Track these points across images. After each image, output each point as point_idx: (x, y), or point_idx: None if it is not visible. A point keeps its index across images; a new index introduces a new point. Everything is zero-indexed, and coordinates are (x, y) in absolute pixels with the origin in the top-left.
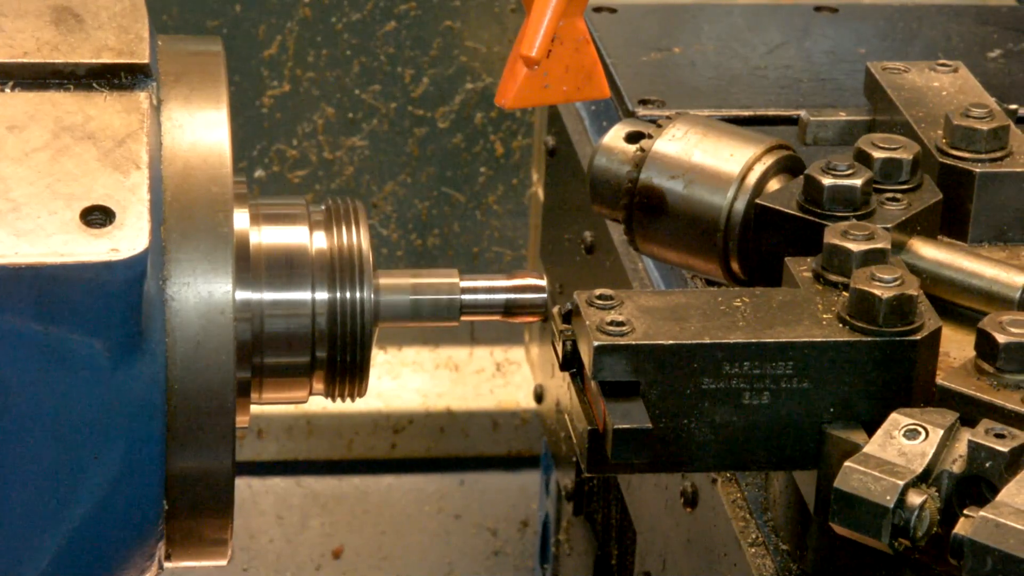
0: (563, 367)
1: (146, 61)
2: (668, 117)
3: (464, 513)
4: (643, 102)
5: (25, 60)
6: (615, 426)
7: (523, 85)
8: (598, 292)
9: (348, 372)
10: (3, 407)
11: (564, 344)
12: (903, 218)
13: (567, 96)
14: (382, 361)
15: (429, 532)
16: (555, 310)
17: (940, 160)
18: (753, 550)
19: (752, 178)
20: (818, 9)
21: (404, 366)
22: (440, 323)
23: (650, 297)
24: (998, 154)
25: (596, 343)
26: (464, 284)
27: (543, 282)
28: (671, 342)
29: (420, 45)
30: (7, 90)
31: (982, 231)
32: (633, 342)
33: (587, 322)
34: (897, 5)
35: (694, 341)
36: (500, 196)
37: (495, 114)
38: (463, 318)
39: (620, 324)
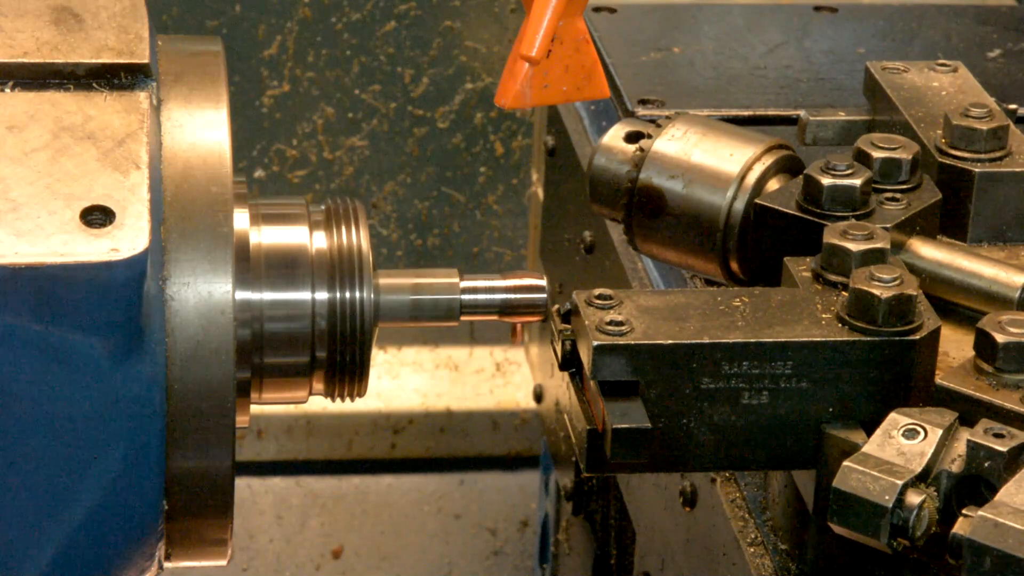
0: (562, 367)
1: (146, 61)
2: (667, 117)
3: (464, 513)
4: (643, 102)
5: (25, 60)
6: (614, 426)
7: (523, 85)
8: (597, 292)
9: (348, 372)
10: (3, 407)
11: (563, 344)
12: (902, 218)
13: (567, 96)
14: (382, 361)
15: (429, 532)
16: (554, 310)
17: (939, 160)
18: (752, 549)
19: (751, 178)
20: (818, 9)
21: (404, 366)
22: (440, 323)
23: (649, 297)
24: (997, 154)
25: (595, 343)
26: (464, 284)
27: (543, 282)
28: (670, 342)
29: (420, 45)
30: (7, 90)
31: (981, 231)
32: (632, 342)
33: (586, 322)
34: (897, 5)
35: (693, 341)
36: (500, 196)
37: (495, 114)
38: (463, 318)
39: (619, 324)
